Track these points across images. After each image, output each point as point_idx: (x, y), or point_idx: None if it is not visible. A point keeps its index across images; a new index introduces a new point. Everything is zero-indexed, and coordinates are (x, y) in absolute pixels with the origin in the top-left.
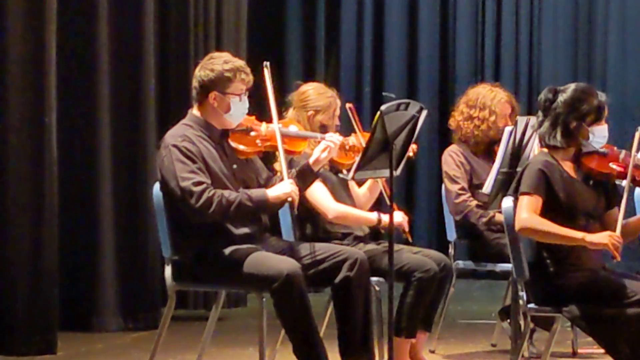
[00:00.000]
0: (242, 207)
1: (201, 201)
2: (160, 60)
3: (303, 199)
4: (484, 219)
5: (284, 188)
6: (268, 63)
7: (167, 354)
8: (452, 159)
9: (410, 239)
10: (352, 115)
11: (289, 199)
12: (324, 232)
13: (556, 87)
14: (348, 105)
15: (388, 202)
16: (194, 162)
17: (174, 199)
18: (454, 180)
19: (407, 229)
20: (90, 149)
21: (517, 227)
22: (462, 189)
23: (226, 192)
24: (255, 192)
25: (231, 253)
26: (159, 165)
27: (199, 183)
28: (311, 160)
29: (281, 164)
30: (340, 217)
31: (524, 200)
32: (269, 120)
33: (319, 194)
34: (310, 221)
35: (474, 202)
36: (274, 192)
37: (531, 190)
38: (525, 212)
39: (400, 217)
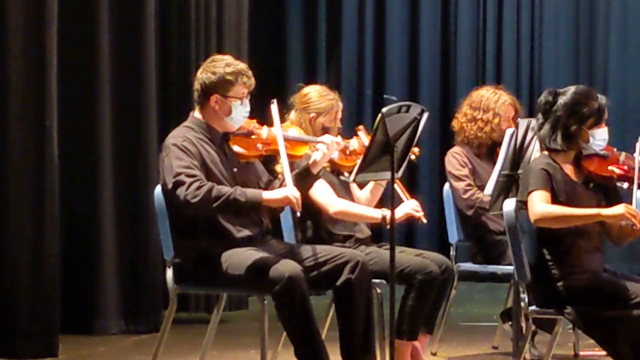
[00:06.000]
0: (232, 201)
1: (190, 190)
2: (162, 63)
3: (305, 200)
4: None
5: (282, 192)
6: (275, 100)
7: (168, 357)
8: (456, 159)
9: (425, 221)
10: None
11: (291, 202)
12: (326, 234)
13: (556, 89)
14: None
15: (405, 198)
16: (191, 158)
17: (169, 193)
18: (459, 179)
19: (419, 214)
20: (91, 151)
21: (533, 219)
22: (469, 185)
23: (220, 186)
24: (252, 191)
25: (232, 256)
26: (160, 166)
27: (192, 175)
28: (309, 163)
29: (284, 169)
30: (341, 213)
31: (533, 195)
32: (270, 123)
33: (321, 191)
34: (312, 223)
35: (482, 194)
36: (269, 195)
37: (538, 186)
38: (538, 204)
39: (408, 208)
